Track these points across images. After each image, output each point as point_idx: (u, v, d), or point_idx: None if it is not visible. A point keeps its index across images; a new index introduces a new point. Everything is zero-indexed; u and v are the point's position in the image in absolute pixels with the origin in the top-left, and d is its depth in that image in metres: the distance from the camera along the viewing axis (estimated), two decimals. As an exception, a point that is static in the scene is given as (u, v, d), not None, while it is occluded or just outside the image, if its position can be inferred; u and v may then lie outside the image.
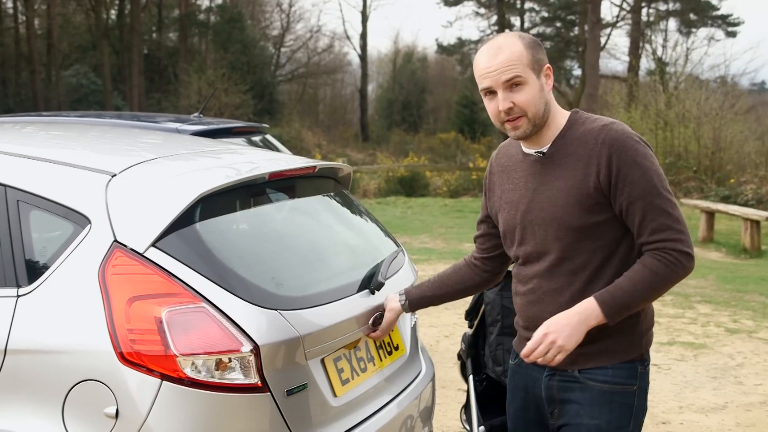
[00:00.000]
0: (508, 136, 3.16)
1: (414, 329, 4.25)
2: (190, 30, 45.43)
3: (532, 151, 3.09)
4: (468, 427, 4.54)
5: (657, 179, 2.89)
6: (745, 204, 17.06)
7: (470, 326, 4.61)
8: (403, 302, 3.60)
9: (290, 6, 52.34)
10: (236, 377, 2.98)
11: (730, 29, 42.77)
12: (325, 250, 3.94)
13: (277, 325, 3.08)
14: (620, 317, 2.91)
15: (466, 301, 4.62)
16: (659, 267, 2.86)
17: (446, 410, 6.23)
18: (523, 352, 2.99)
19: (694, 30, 42.82)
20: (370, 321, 3.59)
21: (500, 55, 2.95)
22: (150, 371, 2.89)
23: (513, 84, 2.94)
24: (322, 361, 3.33)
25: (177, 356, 2.89)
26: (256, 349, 3.01)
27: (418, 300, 3.60)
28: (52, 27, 38.70)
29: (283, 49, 52.26)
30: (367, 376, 3.63)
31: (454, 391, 6.62)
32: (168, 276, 3.01)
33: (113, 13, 43.64)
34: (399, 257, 4.15)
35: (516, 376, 3.32)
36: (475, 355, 4.60)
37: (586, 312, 2.89)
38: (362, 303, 3.59)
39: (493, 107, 3.00)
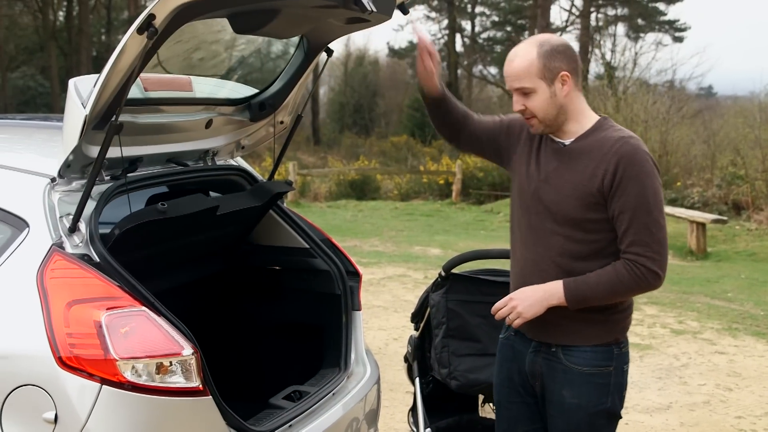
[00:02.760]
0: None
1: None
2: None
3: (556, 139, 3.34)
4: (415, 429, 4.55)
5: (652, 198, 3.15)
6: (692, 207, 17.27)
7: (416, 329, 4.63)
8: (441, 86, 3.60)
9: (241, 9, 52.01)
10: (177, 381, 2.97)
11: (677, 34, 43.27)
12: None
13: None
14: (580, 306, 3.22)
15: (414, 304, 4.66)
16: (625, 276, 3.16)
17: (394, 413, 6.23)
18: (493, 308, 3.36)
19: (642, 35, 43.18)
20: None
21: (513, 64, 3.24)
22: (90, 376, 2.87)
23: (522, 92, 3.24)
24: None
25: (117, 360, 2.86)
26: (197, 353, 3.00)
27: (437, 94, 3.59)
28: (-1, 28, 38.16)
29: (234, 53, 51.94)
30: None
31: (402, 393, 6.62)
32: (107, 279, 2.99)
33: (61, 14, 43.02)
34: None
35: (504, 348, 3.60)
36: (421, 358, 4.61)
37: (551, 291, 3.22)
38: None
39: (513, 105, 3.32)
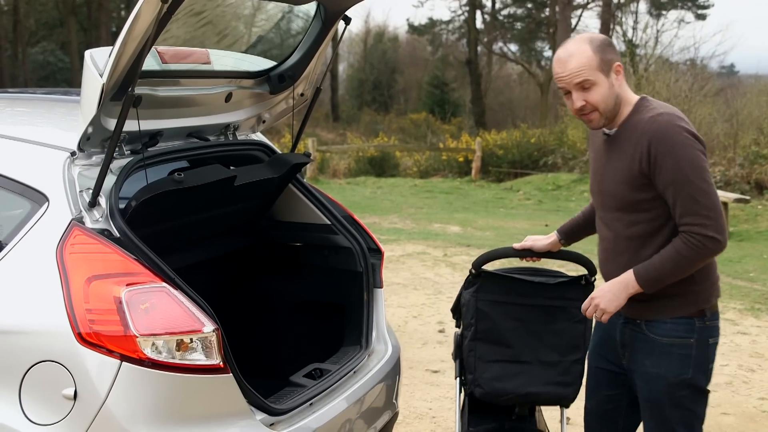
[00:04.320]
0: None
1: None
2: (159, 8, 44.78)
3: (605, 131, 3.50)
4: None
5: (689, 168, 3.23)
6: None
7: (457, 326, 4.29)
8: (563, 243, 4.04)
9: (261, -15, 51.83)
10: (198, 358, 2.95)
11: (699, 12, 42.81)
12: None
13: None
14: (655, 288, 3.36)
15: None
16: (684, 249, 3.26)
17: (414, 391, 6.21)
18: (582, 308, 3.55)
19: (664, 12, 42.75)
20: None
21: (571, 62, 3.35)
22: (109, 352, 2.85)
23: (584, 86, 3.34)
24: None
25: (137, 337, 2.84)
26: (218, 330, 2.97)
27: (568, 232, 4.04)
28: (19, 3, 38.09)
29: (254, 29, 51.85)
30: None
31: (421, 371, 6.60)
32: (128, 255, 2.96)
33: (81, -11, 43.07)
34: None
35: None
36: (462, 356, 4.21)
37: (626, 282, 3.38)
38: None
39: (570, 104, 3.45)
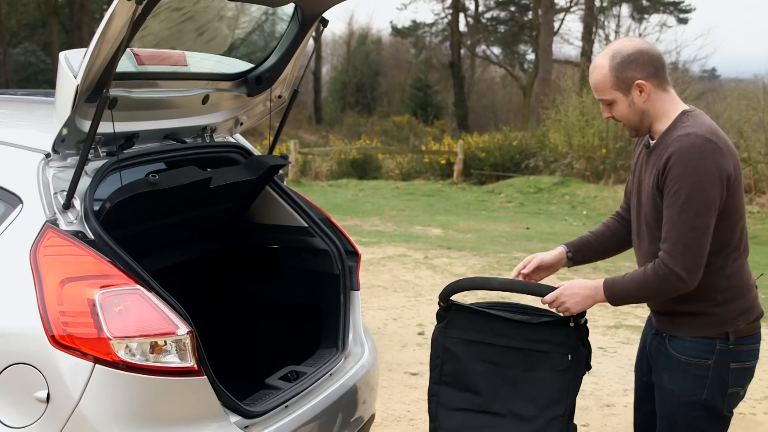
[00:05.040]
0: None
1: None
2: (142, 9, 44.66)
3: (649, 140, 3.39)
4: None
5: (686, 197, 3.10)
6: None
7: None
8: (570, 257, 3.73)
9: (244, -14, 51.69)
10: (172, 360, 2.94)
11: (681, 16, 42.98)
12: None
13: None
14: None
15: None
16: (651, 274, 3.20)
17: (392, 393, 6.20)
18: (544, 299, 3.41)
19: (646, 16, 42.97)
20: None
21: (592, 76, 3.32)
22: (83, 355, 2.84)
23: (605, 102, 3.32)
24: None
25: (110, 339, 2.84)
26: (192, 332, 2.97)
27: (578, 248, 3.74)
28: (0, 4, 37.97)
29: (237, 31, 51.66)
30: None
31: (400, 374, 6.59)
32: (102, 257, 2.95)
33: (63, -10, 42.90)
34: None
35: (647, 322, 3.69)
36: None
37: (595, 290, 3.32)
38: None
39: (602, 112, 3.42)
